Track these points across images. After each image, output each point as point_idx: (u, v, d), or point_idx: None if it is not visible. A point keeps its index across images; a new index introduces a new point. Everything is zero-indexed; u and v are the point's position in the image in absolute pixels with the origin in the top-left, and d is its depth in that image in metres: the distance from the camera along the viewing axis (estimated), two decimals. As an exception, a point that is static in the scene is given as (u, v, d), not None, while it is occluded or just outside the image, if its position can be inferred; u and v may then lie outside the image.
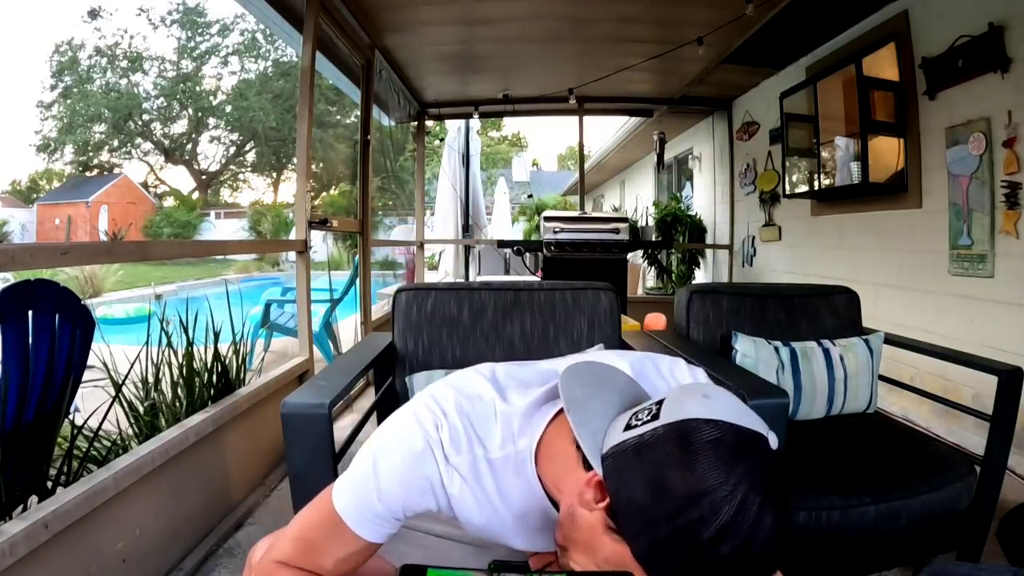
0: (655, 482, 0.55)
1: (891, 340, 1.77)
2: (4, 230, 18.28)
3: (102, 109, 23.14)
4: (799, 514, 1.25)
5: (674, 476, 0.54)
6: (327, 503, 0.71)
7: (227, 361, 2.03)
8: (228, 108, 24.97)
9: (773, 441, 0.58)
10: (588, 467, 0.63)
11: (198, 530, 1.70)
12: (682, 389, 0.64)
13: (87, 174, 24.40)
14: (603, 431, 0.63)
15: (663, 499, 0.54)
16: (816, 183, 3.40)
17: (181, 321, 1.96)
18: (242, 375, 2.12)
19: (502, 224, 9.36)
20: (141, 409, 1.80)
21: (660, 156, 5.75)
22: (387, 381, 1.58)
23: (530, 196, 12.21)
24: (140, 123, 24.52)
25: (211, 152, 29.33)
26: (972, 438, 2.19)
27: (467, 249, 5.89)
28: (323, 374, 1.28)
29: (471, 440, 0.70)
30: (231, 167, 27.34)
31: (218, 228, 22.88)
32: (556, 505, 0.69)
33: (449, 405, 0.73)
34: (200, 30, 24.55)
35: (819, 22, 3.23)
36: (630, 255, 5.10)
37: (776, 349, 1.63)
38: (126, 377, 1.75)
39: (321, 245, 11.11)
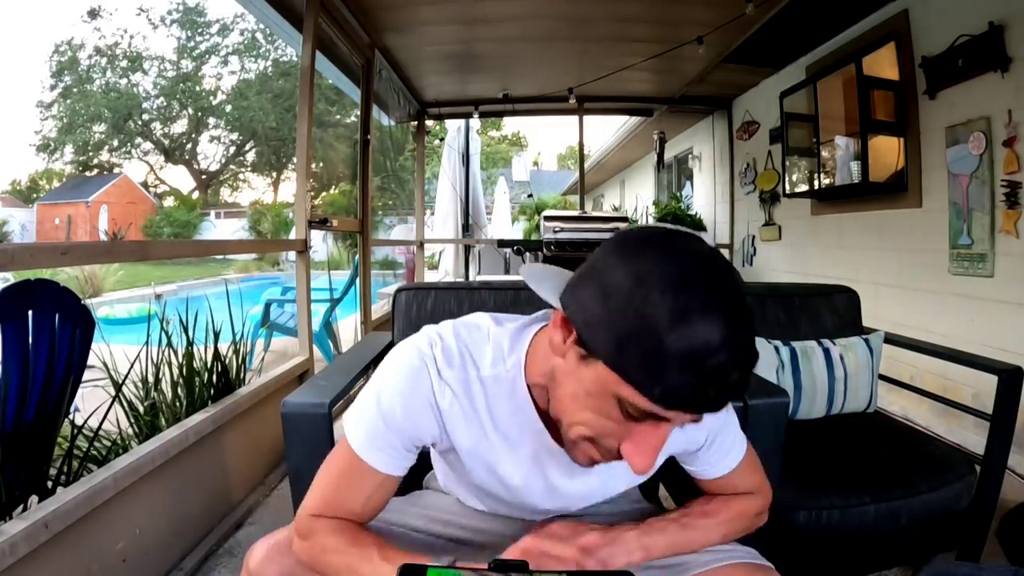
0: (603, 287, 0.57)
1: (891, 340, 1.77)
2: (4, 230, 18.28)
3: (102, 109, 23.13)
4: (799, 514, 1.25)
5: (617, 274, 0.57)
6: (343, 445, 0.74)
7: (227, 361, 2.03)
8: (228, 108, 24.96)
9: (708, 238, 0.62)
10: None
11: (198, 530, 1.70)
12: None
13: (87, 174, 24.40)
14: (561, 287, 0.66)
15: (613, 297, 0.56)
16: (816, 182, 3.40)
17: (181, 321, 1.96)
18: (242, 375, 2.12)
19: (502, 224, 9.37)
20: (141, 409, 1.80)
21: (660, 156, 5.75)
22: (387, 381, 1.57)
23: (530, 196, 12.20)
24: (140, 123, 24.51)
25: (211, 152, 29.40)
26: (972, 438, 2.19)
27: (467, 249, 5.89)
28: (323, 374, 1.28)
29: (464, 359, 0.73)
30: (231, 167, 27.35)
31: (218, 228, 22.87)
32: (547, 425, 0.72)
33: (446, 330, 0.76)
34: (200, 30, 24.55)
35: (819, 22, 3.23)
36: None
37: (776, 348, 1.63)
38: (126, 377, 1.75)
39: (321, 245, 11.11)
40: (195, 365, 1.91)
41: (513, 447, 0.74)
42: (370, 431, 0.72)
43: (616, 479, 0.79)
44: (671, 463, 0.84)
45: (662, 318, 0.52)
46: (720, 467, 0.82)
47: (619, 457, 0.62)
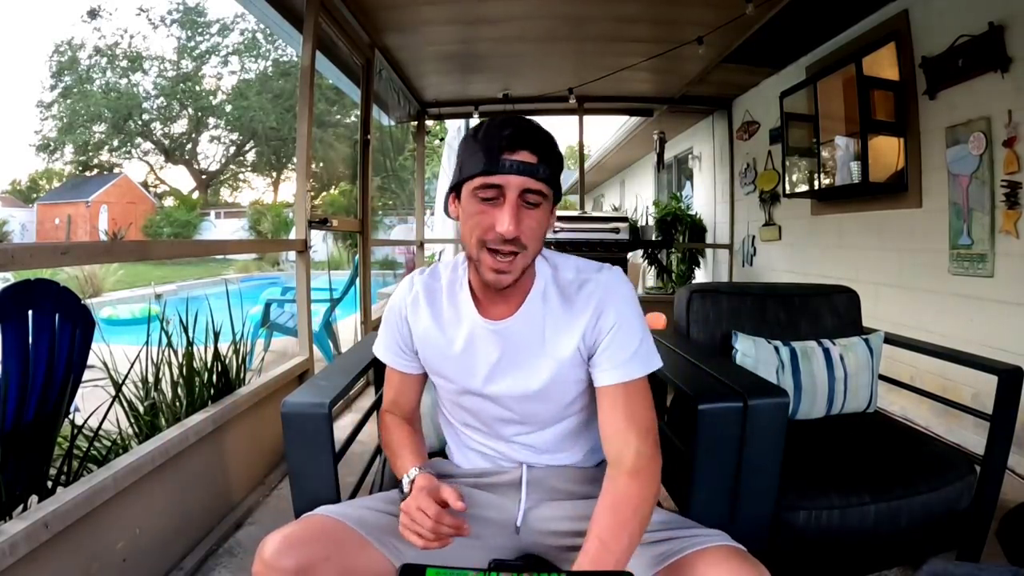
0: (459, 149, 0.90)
1: (891, 340, 1.77)
2: (4, 230, 18.27)
3: (102, 109, 23.10)
4: (799, 514, 1.25)
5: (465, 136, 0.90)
6: None
7: (227, 361, 2.03)
8: (228, 108, 24.94)
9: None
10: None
11: (198, 529, 1.70)
12: None
13: (87, 174, 24.38)
14: None
15: (457, 153, 0.90)
16: (816, 183, 3.40)
17: (181, 321, 1.96)
18: (242, 375, 2.12)
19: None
20: (141, 409, 1.81)
21: (660, 156, 5.74)
22: (387, 381, 1.57)
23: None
24: (140, 123, 24.47)
25: (211, 152, 29.38)
26: (972, 438, 2.19)
27: (467, 248, 5.88)
28: (323, 374, 1.28)
29: (435, 272, 1.03)
30: (231, 167, 27.32)
31: (218, 228, 22.85)
32: (481, 314, 0.95)
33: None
34: (200, 30, 24.53)
35: (819, 22, 3.23)
36: (630, 255, 5.09)
37: (776, 349, 1.63)
38: (126, 377, 1.75)
39: (321, 245, 11.11)
40: (195, 365, 1.91)
41: (456, 327, 0.97)
42: (382, 337, 1.05)
43: (530, 377, 0.94)
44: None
45: (474, 133, 0.87)
46: (618, 371, 0.91)
47: (504, 241, 0.84)
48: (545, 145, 0.85)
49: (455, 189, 0.90)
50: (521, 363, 0.94)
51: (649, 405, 0.92)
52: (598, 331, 0.92)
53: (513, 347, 0.94)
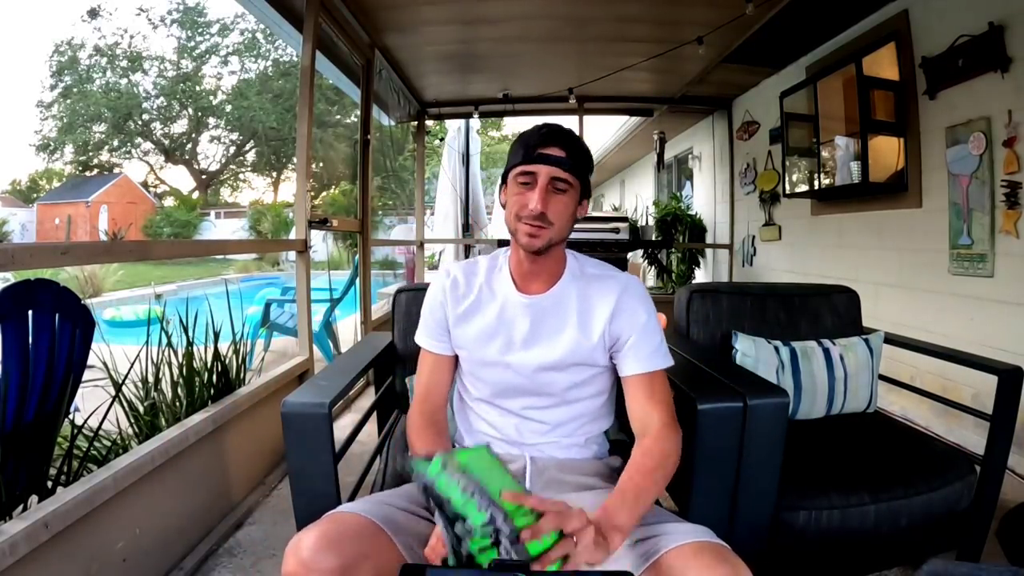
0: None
1: (891, 340, 1.77)
2: (4, 230, 18.27)
3: (102, 109, 23.07)
4: (799, 514, 1.25)
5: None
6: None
7: (227, 361, 2.03)
8: (228, 108, 24.92)
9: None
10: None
11: (198, 529, 1.70)
12: None
13: (87, 174, 24.36)
14: None
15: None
16: (816, 183, 3.40)
17: (181, 321, 1.96)
18: (242, 375, 2.12)
19: (502, 223, 9.33)
20: (141, 409, 1.81)
21: (660, 156, 5.74)
22: (387, 381, 1.58)
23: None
24: (140, 123, 24.45)
25: (211, 152, 29.27)
26: (972, 438, 2.19)
27: (467, 248, 5.88)
28: (323, 374, 1.28)
29: (472, 262, 1.16)
30: (231, 167, 27.29)
31: (218, 228, 22.84)
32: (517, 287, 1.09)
33: None
34: (200, 30, 24.49)
35: (819, 22, 3.23)
36: (630, 254, 5.09)
37: (776, 348, 1.63)
38: (126, 377, 1.75)
39: (321, 245, 11.11)
40: (195, 365, 1.91)
41: (491, 302, 1.10)
42: (421, 325, 1.16)
43: (555, 347, 1.06)
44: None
45: (520, 135, 1.03)
46: (643, 363, 1.04)
47: (535, 215, 0.98)
48: (573, 144, 1.01)
49: (504, 179, 1.06)
50: (548, 334, 1.06)
51: (668, 389, 1.06)
52: (623, 326, 1.05)
53: (543, 320, 1.07)
